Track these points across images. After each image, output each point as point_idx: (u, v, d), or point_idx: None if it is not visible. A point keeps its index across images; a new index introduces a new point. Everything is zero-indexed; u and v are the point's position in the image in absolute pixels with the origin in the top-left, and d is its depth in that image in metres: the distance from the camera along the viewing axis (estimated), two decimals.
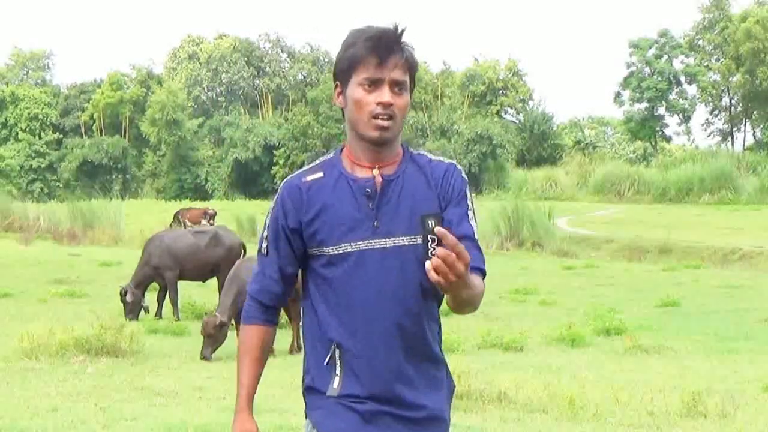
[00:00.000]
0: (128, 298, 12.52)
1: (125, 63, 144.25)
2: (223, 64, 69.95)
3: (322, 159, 2.70)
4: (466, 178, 2.67)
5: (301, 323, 2.76)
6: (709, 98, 64.32)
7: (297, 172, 2.69)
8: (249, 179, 60.06)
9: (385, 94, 2.54)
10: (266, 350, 2.76)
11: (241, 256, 12.66)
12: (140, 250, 13.68)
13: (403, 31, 2.58)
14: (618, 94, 67.05)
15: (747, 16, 58.27)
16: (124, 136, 65.17)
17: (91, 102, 66.29)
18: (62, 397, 7.42)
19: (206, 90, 72.57)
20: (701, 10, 62.87)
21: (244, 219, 30.36)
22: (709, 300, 15.50)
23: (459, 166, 2.68)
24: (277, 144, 59.11)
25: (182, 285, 13.49)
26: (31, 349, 9.05)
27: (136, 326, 10.88)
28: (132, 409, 7.04)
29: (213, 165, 62.55)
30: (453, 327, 10.50)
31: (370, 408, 2.56)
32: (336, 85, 2.63)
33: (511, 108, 66.45)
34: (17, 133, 66.90)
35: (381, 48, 2.53)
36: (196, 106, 70.08)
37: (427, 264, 2.21)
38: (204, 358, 9.56)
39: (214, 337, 9.63)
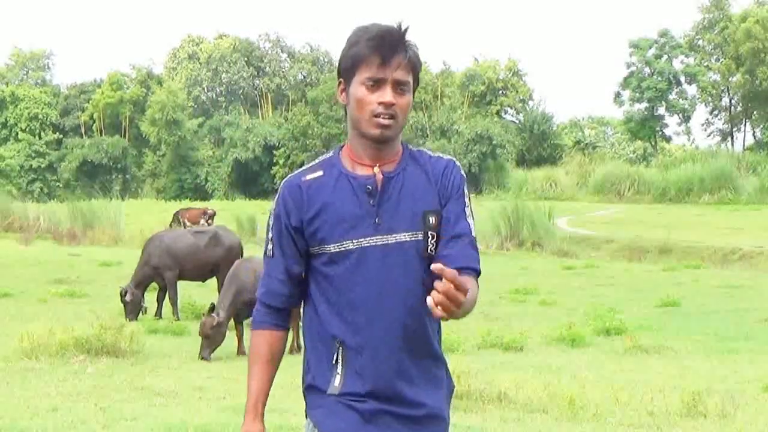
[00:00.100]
0: (128, 298, 12.52)
1: (125, 63, 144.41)
2: (223, 64, 69.96)
3: (321, 158, 2.70)
4: (464, 175, 2.68)
5: (301, 323, 2.76)
6: (709, 98, 64.33)
7: (297, 172, 2.69)
8: (249, 179, 60.08)
9: (387, 94, 2.54)
10: (277, 355, 2.71)
11: (241, 256, 12.66)
12: (140, 250, 13.68)
13: (406, 31, 2.58)
14: (618, 94, 67.12)
15: (747, 16, 58.27)
16: (124, 136, 65.19)
17: (91, 102, 66.31)
18: (62, 397, 7.42)
19: (206, 90, 72.58)
20: (701, 10, 62.90)
21: (244, 219, 30.38)
22: (709, 300, 15.50)
23: (458, 163, 2.69)
24: (277, 144, 59.12)
25: (182, 285, 13.49)
26: (31, 349, 9.05)
27: (136, 326, 10.88)
28: (132, 409, 7.04)
29: (213, 165, 62.56)
30: (453, 327, 10.50)
31: (371, 407, 2.56)
32: (339, 82, 2.64)
33: (511, 108, 66.47)
34: (17, 133, 66.90)
35: (384, 48, 2.53)
36: (196, 106, 70.10)
37: (429, 300, 2.23)
38: (203, 358, 9.56)
39: (211, 338, 9.62)
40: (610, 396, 7.61)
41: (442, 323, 2.68)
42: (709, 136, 75.94)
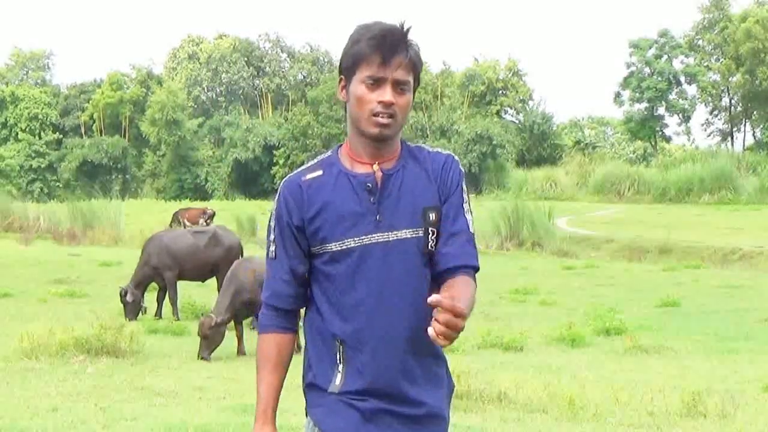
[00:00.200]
0: (128, 298, 12.51)
1: (125, 63, 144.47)
2: (223, 64, 69.97)
3: (320, 157, 2.70)
4: (463, 170, 2.69)
5: (301, 322, 2.76)
6: (709, 98, 64.32)
7: (296, 171, 2.69)
8: (249, 179, 60.08)
9: (386, 94, 2.54)
10: (286, 359, 2.67)
11: (240, 256, 12.66)
12: (140, 250, 13.68)
13: (408, 30, 2.58)
14: (618, 94, 67.10)
15: (747, 16, 58.26)
16: (124, 136, 65.19)
17: (91, 102, 66.31)
18: (62, 397, 7.42)
19: (206, 90, 72.59)
20: (701, 10, 62.90)
21: (244, 219, 30.38)
22: (709, 300, 15.50)
23: (456, 158, 2.69)
24: (277, 144, 59.13)
25: (182, 285, 13.49)
26: (31, 349, 9.04)
27: (136, 326, 10.88)
28: (132, 409, 7.04)
29: (213, 165, 62.56)
30: None
31: (371, 406, 2.56)
32: (340, 79, 2.64)
33: (511, 108, 66.47)
34: (17, 133, 66.90)
35: (385, 47, 2.53)
36: (196, 106, 70.10)
37: (431, 331, 2.26)
38: (202, 358, 9.55)
39: (210, 338, 9.61)
40: (610, 396, 7.60)
41: None
42: (709, 136, 76.03)
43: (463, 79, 65.42)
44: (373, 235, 2.55)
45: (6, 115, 67.27)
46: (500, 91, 66.08)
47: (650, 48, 65.51)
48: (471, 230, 2.64)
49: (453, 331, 2.25)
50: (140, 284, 12.82)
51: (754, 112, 62.91)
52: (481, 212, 24.87)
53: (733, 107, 64.05)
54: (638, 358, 9.91)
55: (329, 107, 57.34)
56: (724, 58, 61.10)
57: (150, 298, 13.44)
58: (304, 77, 69.84)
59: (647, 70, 65.33)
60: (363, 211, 2.56)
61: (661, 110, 66.38)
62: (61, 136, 67.43)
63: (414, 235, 2.57)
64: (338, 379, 2.58)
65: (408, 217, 2.57)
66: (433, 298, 2.25)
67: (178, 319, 12.55)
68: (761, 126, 62.62)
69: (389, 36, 2.55)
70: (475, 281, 2.62)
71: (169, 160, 62.54)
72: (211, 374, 8.73)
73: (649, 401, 7.48)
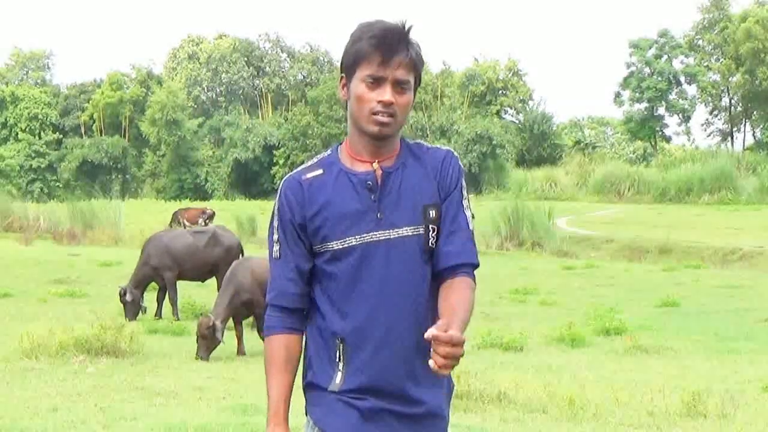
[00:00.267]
0: (127, 298, 12.51)
1: (125, 63, 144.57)
2: (223, 64, 69.96)
3: (320, 157, 2.70)
4: (462, 166, 2.69)
5: None
6: (709, 98, 64.32)
7: (296, 170, 2.68)
8: (249, 179, 60.09)
9: (386, 93, 2.54)
10: (295, 360, 2.64)
11: (240, 256, 12.65)
12: (140, 250, 13.68)
13: (410, 30, 2.57)
14: (618, 94, 67.09)
15: (747, 16, 58.26)
16: (124, 136, 65.19)
17: (91, 102, 66.29)
18: (62, 397, 7.42)
19: (206, 90, 72.57)
20: (701, 10, 62.89)
21: (244, 219, 30.36)
22: (709, 300, 15.51)
23: (455, 154, 2.69)
24: (277, 144, 59.13)
25: (182, 285, 13.49)
26: (31, 349, 9.04)
27: (136, 326, 10.88)
28: (132, 409, 7.04)
29: (213, 165, 62.56)
30: None
31: (371, 405, 2.56)
32: (341, 77, 2.64)
33: (511, 108, 66.48)
34: (17, 133, 66.89)
35: (386, 46, 2.53)
36: (196, 106, 70.09)
37: (431, 364, 2.31)
38: (199, 358, 9.53)
39: (208, 338, 9.59)
40: (610, 396, 7.60)
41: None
42: (709, 136, 76.01)
43: (463, 79, 65.42)
44: (375, 233, 2.55)
45: (6, 115, 67.26)
46: (500, 91, 66.09)
47: (650, 48, 65.50)
48: (471, 227, 2.64)
49: (453, 361, 2.30)
50: (140, 284, 12.82)
51: (754, 112, 62.91)
52: (481, 212, 24.84)
53: (733, 107, 64.05)
54: (638, 358, 9.91)
55: (329, 107, 57.33)
56: (724, 58, 61.11)
57: (150, 298, 13.44)
58: (304, 77, 69.83)
59: (647, 70, 65.33)
60: (364, 209, 2.56)
61: (661, 110, 66.38)
62: (61, 136, 67.43)
63: (414, 233, 2.57)
64: (338, 378, 2.57)
65: (408, 215, 2.57)
66: (429, 333, 2.30)
67: (178, 319, 12.55)
68: (761, 126, 62.63)
69: (390, 35, 2.54)
70: (474, 280, 2.62)
71: (169, 160, 62.54)
72: (211, 374, 8.73)
73: (649, 401, 7.48)
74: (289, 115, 62.30)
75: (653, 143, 66.29)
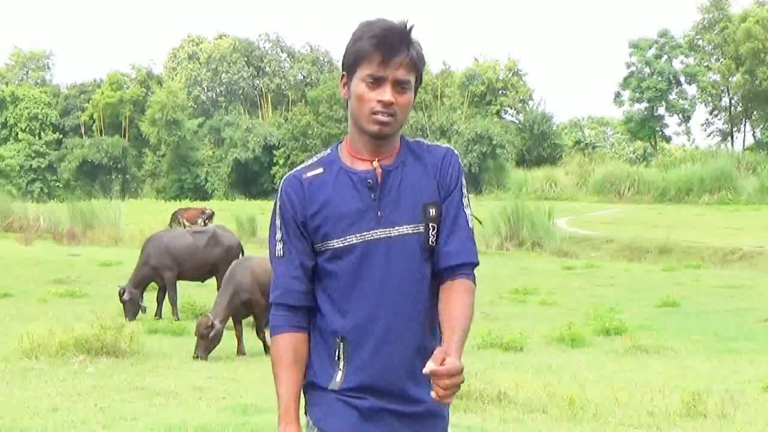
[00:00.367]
0: (125, 297, 12.52)
1: (125, 63, 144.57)
2: (223, 64, 69.95)
3: (320, 156, 2.69)
4: (462, 164, 2.69)
5: None
6: (709, 98, 64.33)
7: (296, 169, 2.68)
8: (249, 179, 60.08)
9: (386, 93, 2.54)
10: (302, 358, 2.62)
11: (240, 256, 12.65)
12: (140, 250, 13.68)
13: (411, 29, 2.57)
14: (618, 94, 67.09)
15: (747, 16, 58.26)
16: (124, 136, 65.18)
17: (91, 102, 66.29)
18: (62, 397, 7.42)
19: (206, 90, 72.57)
20: (701, 10, 62.89)
21: (244, 219, 30.35)
22: (709, 300, 15.51)
23: (455, 151, 2.69)
24: (277, 144, 59.13)
25: (182, 285, 13.49)
26: (31, 349, 9.04)
27: (136, 326, 10.88)
28: (132, 409, 7.04)
29: (213, 165, 62.55)
30: None
31: (371, 404, 2.56)
32: (342, 75, 2.64)
33: (511, 108, 66.48)
34: (17, 133, 66.89)
35: (386, 46, 2.53)
36: (196, 106, 70.08)
37: (433, 395, 2.37)
38: (197, 357, 9.52)
39: (206, 338, 9.59)
40: (610, 396, 7.60)
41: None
42: (709, 136, 76.02)
43: (463, 79, 65.42)
44: (375, 231, 2.55)
45: (6, 115, 67.26)
46: (500, 91, 66.08)
47: (650, 48, 65.50)
48: (470, 226, 2.65)
49: (455, 389, 2.36)
50: (139, 284, 12.82)
51: (754, 112, 62.91)
52: (481, 212, 24.84)
53: (733, 107, 64.05)
54: (638, 358, 9.91)
55: (329, 107, 57.33)
56: (724, 58, 61.11)
57: (150, 298, 13.44)
58: (304, 77, 69.82)
59: (647, 70, 65.32)
60: (364, 207, 2.56)
61: (661, 110, 66.38)
62: (61, 136, 67.42)
63: (414, 231, 2.57)
64: (339, 377, 2.58)
65: (408, 213, 2.57)
66: (427, 368, 2.34)
67: (178, 319, 12.55)
68: (761, 126, 62.63)
69: (391, 35, 2.54)
70: (474, 280, 2.63)
71: (169, 160, 62.53)
72: (211, 374, 8.73)
73: (649, 401, 7.48)
74: (289, 115, 62.30)
75: (653, 143, 66.29)
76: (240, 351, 10.09)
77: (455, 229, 2.61)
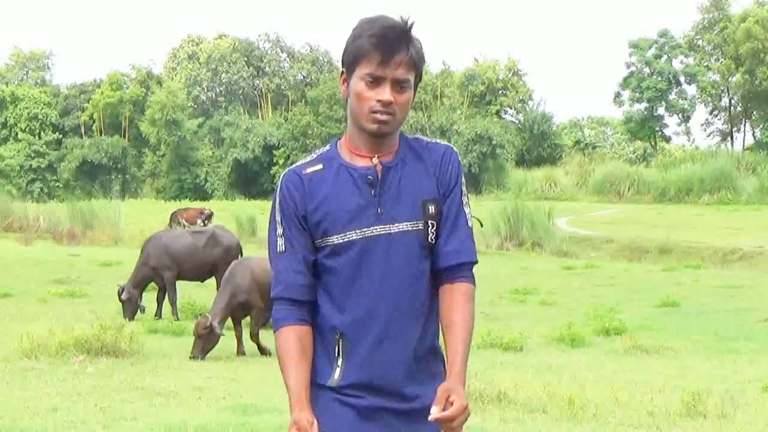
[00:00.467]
0: (124, 296, 12.52)
1: (125, 63, 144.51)
2: (223, 64, 69.93)
3: (319, 152, 2.69)
4: (461, 161, 2.68)
5: None
6: (709, 98, 64.31)
7: (295, 165, 2.67)
8: (249, 179, 60.07)
9: (386, 93, 2.53)
10: (308, 349, 2.59)
11: (239, 256, 12.65)
12: (140, 250, 13.68)
13: (411, 27, 2.56)
14: (618, 94, 67.06)
15: (747, 16, 58.25)
16: (124, 136, 65.16)
17: (90, 102, 66.25)
18: (62, 397, 7.42)
19: (206, 90, 72.54)
20: (701, 11, 62.87)
21: (244, 219, 30.35)
22: (709, 300, 15.50)
23: (454, 149, 2.69)
24: (276, 144, 59.10)
25: (182, 285, 13.49)
26: (31, 349, 9.04)
27: (136, 326, 10.87)
28: (132, 409, 7.04)
29: (213, 165, 62.53)
30: None
31: (368, 403, 2.56)
32: (342, 72, 2.63)
33: (511, 108, 66.45)
34: (17, 133, 66.86)
35: (386, 45, 2.52)
36: (195, 106, 70.05)
37: None
38: (194, 357, 9.51)
39: (205, 338, 9.58)
40: (610, 396, 7.60)
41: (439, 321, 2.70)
42: (708, 136, 76.00)
43: (462, 79, 65.39)
44: (375, 228, 2.55)
45: (6, 115, 67.23)
46: (500, 91, 66.06)
47: (650, 48, 65.48)
48: (470, 224, 2.66)
49: (463, 423, 2.45)
50: (139, 284, 12.82)
51: (754, 112, 62.90)
52: (481, 212, 24.84)
53: (732, 107, 64.04)
54: (638, 358, 9.91)
55: (329, 107, 57.33)
56: (724, 58, 61.09)
57: (150, 298, 13.44)
58: (303, 77, 69.80)
59: (647, 70, 65.31)
60: (365, 203, 2.56)
61: (661, 110, 66.37)
62: (60, 136, 67.39)
63: (414, 228, 2.58)
64: (337, 373, 2.57)
65: (408, 210, 2.58)
66: (432, 416, 2.40)
67: (178, 319, 12.55)
68: (761, 126, 62.62)
69: (390, 33, 2.53)
70: (474, 280, 2.64)
71: (168, 160, 62.51)
72: (211, 374, 8.72)
73: (649, 401, 7.48)
74: (288, 115, 62.27)
75: (653, 143, 66.28)
76: (240, 351, 10.09)
77: (456, 228, 2.62)
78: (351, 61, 2.57)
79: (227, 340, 10.01)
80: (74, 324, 10.20)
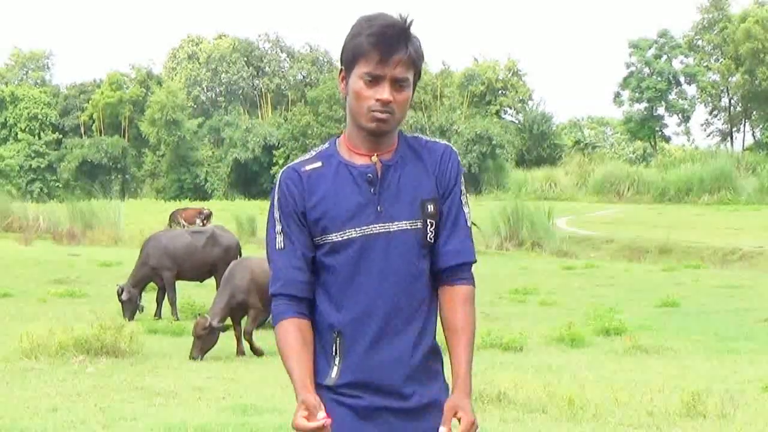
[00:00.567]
0: (124, 296, 12.52)
1: (125, 63, 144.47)
2: (223, 64, 69.91)
3: (318, 150, 2.68)
4: (460, 160, 2.68)
5: None
6: (709, 98, 64.32)
7: (294, 162, 2.66)
8: (248, 179, 60.05)
9: (384, 92, 2.53)
10: (309, 340, 2.57)
11: (239, 256, 12.64)
12: (139, 250, 13.68)
13: (410, 25, 2.55)
14: (617, 95, 67.07)
15: (746, 16, 58.27)
16: (124, 136, 65.15)
17: (90, 102, 66.23)
18: (62, 397, 7.41)
19: (206, 90, 72.53)
20: (701, 11, 62.89)
21: (244, 219, 30.34)
22: (709, 300, 15.50)
23: (453, 149, 2.69)
24: (276, 144, 59.09)
25: (181, 285, 13.48)
26: (31, 349, 9.03)
27: (136, 326, 10.87)
28: (132, 409, 7.04)
29: (212, 165, 62.51)
30: None
31: (366, 403, 2.56)
32: (341, 70, 2.62)
33: (511, 108, 66.44)
34: (17, 133, 66.84)
35: (385, 44, 2.51)
36: (195, 106, 70.03)
37: None
38: (192, 358, 9.51)
39: (203, 339, 9.57)
40: (610, 396, 7.60)
41: (438, 320, 2.70)
42: (708, 136, 76.02)
43: (462, 79, 65.37)
44: (375, 226, 2.55)
45: (6, 115, 67.20)
46: (500, 91, 66.05)
47: (650, 48, 65.49)
48: (469, 224, 2.66)
49: None
50: (138, 284, 12.82)
51: (754, 112, 62.92)
52: (481, 212, 24.86)
53: (732, 107, 64.06)
54: (638, 358, 9.90)
55: (329, 107, 57.32)
56: (724, 58, 61.11)
57: (149, 298, 13.44)
58: (303, 77, 69.79)
59: (647, 70, 65.31)
60: (365, 201, 2.56)
61: (661, 110, 66.38)
62: (60, 136, 67.37)
63: (413, 227, 2.57)
64: (334, 372, 2.57)
65: (407, 209, 2.57)
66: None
67: (178, 319, 12.55)
68: (761, 126, 62.62)
69: (389, 32, 2.52)
70: (473, 281, 2.65)
71: (168, 160, 62.49)
72: (211, 374, 8.72)
73: (648, 401, 7.47)
74: (288, 115, 62.25)
75: (653, 143, 66.28)
76: (239, 351, 10.08)
77: (455, 229, 2.62)
78: (350, 59, 2.56)
79: (227, 340, 10.01)
80: (74, 324, 10.19)
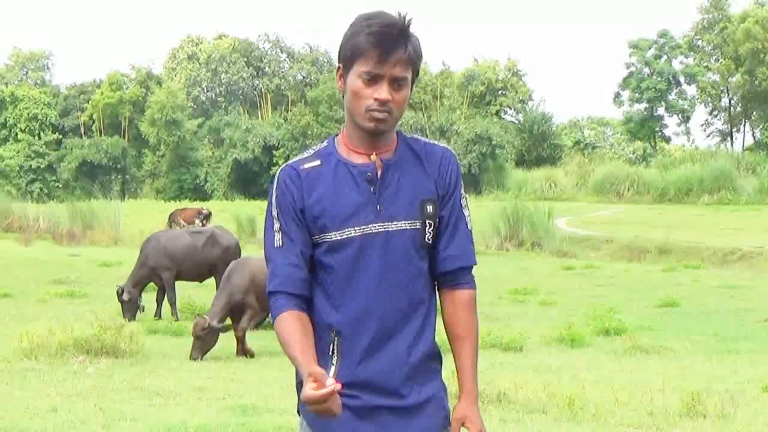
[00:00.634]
0: (124, 297, 12.51)
1: (125, 63, 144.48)
2: (223, 64, 69.91)
3: (316, 148, 2.67)
4: (459, 163, 2.68)
5: None
6: (709, 99, 64.35)
7: (293, 161, 2.65)
8: (248, 179, 60.04)
9: (383, 91, 2.52)
10: (309, 332, 2.53)
11: (238, 256, 12.63)
12: (139, 250, 13.67)
13: (409, 24, 2.55)
14: (617, 95, 67.15)
15: (746, 16, 58.30)
16: (124, 137, 65.15)
17: (90, 102, 66.26)
18: (62, 398, 7.41)
19: (206, 90, 72.53)
20: (700, 11, 62.96)
21: (244, 219, 30.34)
22: (709, 300, 15.50)
23: (452, 151, 2.69)
24: (276, 144, 59.10)
25: (181, 285, 13.48)
26: (31, 349, 9.03)
27: (136, 326, 10.86)
28: (132, 409, 7.03)
29: (212, 165, 62.51)
30: None
31: (363, 403, 2.55)
32: (338, 68, 2.61)
33: (511, 108, 66.45)
34: (17, 134, 66.84)
35: (384, 44, 2.50)
36: (195, 106, 70.03)
37: None
38: (192, 358, 9.51)
39: (202, 339, 9.57)
40: (610, 396, 7.59)
41: (438, 319, 2.70)
42: (708, 136, 76.11)
43: (462, 79, 65.38)
44: (374, 225, 2.54)
45: (5, 115, 67.21)
46: (500, 92, 66.06)
47: (650, 48, 65.54)
48: (469, 227, 2.66)
49: None
50: (138, 284, 12.81)
51: (754, 113, 62.96)
52: (481, 212, 24.88)
53: (732, 107, 64.08)
54: (638, 359, 9.90)
55: (329, 107, 57.33)
56: (724, 59, 61.14)
57: (149, 298, 13.43)
58: (303, 77, 69.79)
59: (647, 70, 65.37)
60: (364, 200, 2.55)
61: (661, 110, 66.44)
62: (60, 136, 67.37)
63: (411, 227, 2.57)
64: (332, 372, 2.55)
65: (406, 209, 2.57)
66: None
67: (178, 320, 12.54)
68: (761, 126, 62.65)
69: (388, 31, 2.51)
70: (474, 284, 2.66)
71: (168, 160, 62.50)
72: (211, 374, 8.72)
73: (648, 401, 7.47)
74: (288, 115, 62.27)
75: (653, 143, 66.28)
76: (239, 351, 10.07)
77: (456, 232, 2.62)
78: (348, 57, 2.55)
79: (227, 340, 10.01)
80: (74, 324, 10.17)
